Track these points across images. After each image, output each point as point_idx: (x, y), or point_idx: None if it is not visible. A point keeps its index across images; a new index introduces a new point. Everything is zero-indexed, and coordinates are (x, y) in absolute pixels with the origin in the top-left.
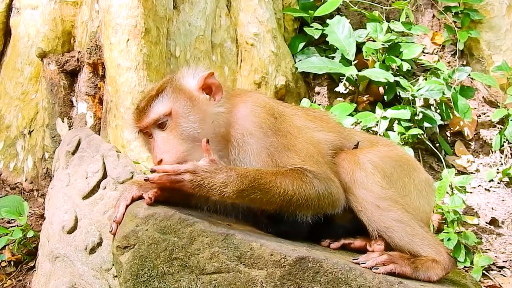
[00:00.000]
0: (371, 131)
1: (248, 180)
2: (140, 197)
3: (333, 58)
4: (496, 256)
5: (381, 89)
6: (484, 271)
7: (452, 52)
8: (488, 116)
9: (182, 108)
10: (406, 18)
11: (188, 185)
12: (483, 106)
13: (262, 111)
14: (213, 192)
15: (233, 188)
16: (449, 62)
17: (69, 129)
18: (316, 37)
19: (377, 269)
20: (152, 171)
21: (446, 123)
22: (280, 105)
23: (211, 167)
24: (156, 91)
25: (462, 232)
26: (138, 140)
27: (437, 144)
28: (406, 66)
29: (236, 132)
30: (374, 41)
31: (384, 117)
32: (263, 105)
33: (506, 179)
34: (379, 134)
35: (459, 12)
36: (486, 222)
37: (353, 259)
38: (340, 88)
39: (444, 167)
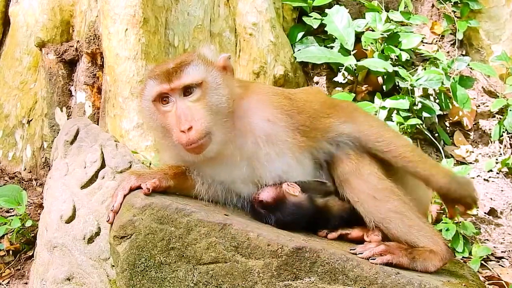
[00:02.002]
0: None
1: None
2: (138, 187)
3: (332, 48)
4: (494, 247)
5: (380, 79)
6: (482, 262)
7: (452, 42)
8: (487, 106)
9: (214, 80)
10: (405, 7)
11: None
12: (482, 96)
13: (278, 98)
14: None
15: None
16: (448, 52)
17: (67, 119)
18: (315, 26)
19: (374, 259)
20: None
21: (445, 113)
22: (287, 91)
23: None
24: (186, 61)
25: (460, 222)
26: (146, 112)
27: (436, 134)
28: (405, 56)
29: (257, 120)
30: (373, 30)
31: (383, 107)
32: (276, 93)
33: (505, 169)
34: None
35: (458, 2)
36: (485, 213)
37: (350, 250)
38: (339, 78)
39: (443, 157)
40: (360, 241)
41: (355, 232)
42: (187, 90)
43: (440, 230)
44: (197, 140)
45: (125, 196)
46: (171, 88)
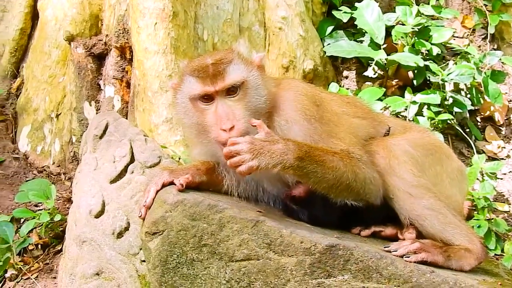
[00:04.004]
0: (400, 116)
1: (305, 150)
2: (171, 183)
3: (361, 42)
4: None
5: (410, 74)
6: None
7: (483, 36)
8: None
9: (254, 80)
10: (436, 1)
11: (248, 156)
12: None
13: (305, 99)
14: (274, 160)
15: (294, 155)
16: (479, 46)
17: (96, 113)
18: (345, 20)
19: (408, 257)
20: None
21: (476, 108)
22: (318, 91)
23: (268, 137)
24: (227, 59)
25: (492, 219)
26: (187, 110)
27: (467, 130)
28: (436, 50)
29: (280, 118)
30: (403, 24)
31: (414, 102)
32: (305, 93)
33: None
34: (408, 119)
35: None
36: None
37: (384, 247)
38: (369, 73)
39: (474, 153)
40: (394, 238)
41: (389, 230)
42: (229, 90)
43: (472, 227)
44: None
45: (157, 191)
46: (216, 91)
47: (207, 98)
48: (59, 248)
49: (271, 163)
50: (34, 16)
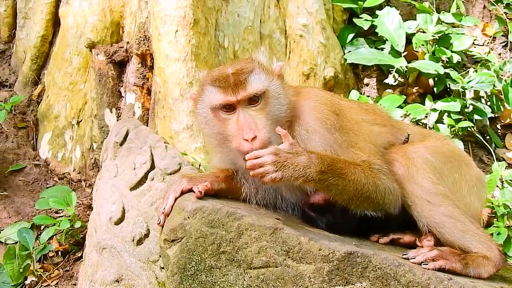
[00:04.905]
0: (420, 124)
1: (327, 162)
2: (190, 190)
3: (382, 49)
4: None
5: (431, 81)
6: None
7: (503, 44)
8: None
9: (276, 89)
10: (456, 9)
11: (271, 168)
12: None
13: (325, 108)
14: (297, 173)
15: (316, 169)
16: (500, 54)
17: (117, 120)
18: (366, 28)
19: (426, 264)
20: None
21: (496, 115)
22: (337, 99)
23: (292, 149)
24: (247, 69)
25: None
26: (207, 119)
27: (487, 137)
28: (456, 58)
29: (301, 128)
30: (424, 32)
31: (434, 109)
32: (325, 102)
33: None
34: (429, 127)
35: (511, 3)
36: None
37: (403, 254)
38: (390, 80)
39: (494, 160)
40: (412, 246)
41: (407, 237)
42: (251, 99)
43: (492, 234)
44: (260, 149)
45: (176, 198)
46: (238, 100)
47: (229, 107)
48: (79, 255)
49: (294, 175)
50: (55, 23)
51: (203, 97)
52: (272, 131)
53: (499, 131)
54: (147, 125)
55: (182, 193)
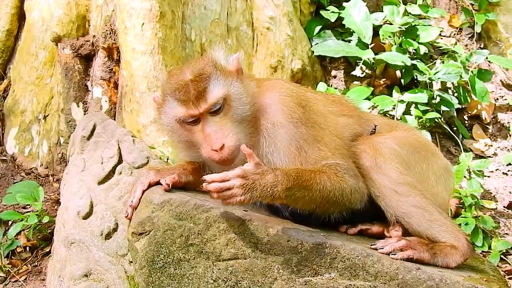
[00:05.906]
0: (388, 115)
1: (293, 178)
2: (157, 183)
3: (349, 41)
4: None
5: (398, 73)
6: (502, 256)
7: (470, 35)
8: (506, 99)
9: (236, 90)
10: (423, 0)
11: (239, 191)
12: (500, 89)
13: (290, 101)
14: (265, 194)
15: (283, 187)
16: (466, 45)
17: (84, 114)
18: (333, 20)
19: (395, 254)
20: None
21: (463, 106)
22: (303, 91)
23: (258, 169)
24: (205, 75)
25: (479, 216)
26: (167, 126)
27: (455, 128)
28: (423, 49)
29: (267, 121)
30: (391, 24)
31: (401, 101)
32: (290, 94)
33: None
34: (396, 118)
35: None
36: (504, 206)
37: (371, 245)
38: (357, 72)
39: (461, 151)
40: (380, 236)
41: (375, 228)
42: (213, 108)
43: (460, 225)
44: (229, 155)
45: (143, 191)
46: (200, 113)
47: (193, 119)
48: (47, 250)
49: (262, 195)
50: (20, 17)
51: (165, 108)
52: (239, 133)
53: (466, 122)
54: (114, 119)
55: (150, 185)
